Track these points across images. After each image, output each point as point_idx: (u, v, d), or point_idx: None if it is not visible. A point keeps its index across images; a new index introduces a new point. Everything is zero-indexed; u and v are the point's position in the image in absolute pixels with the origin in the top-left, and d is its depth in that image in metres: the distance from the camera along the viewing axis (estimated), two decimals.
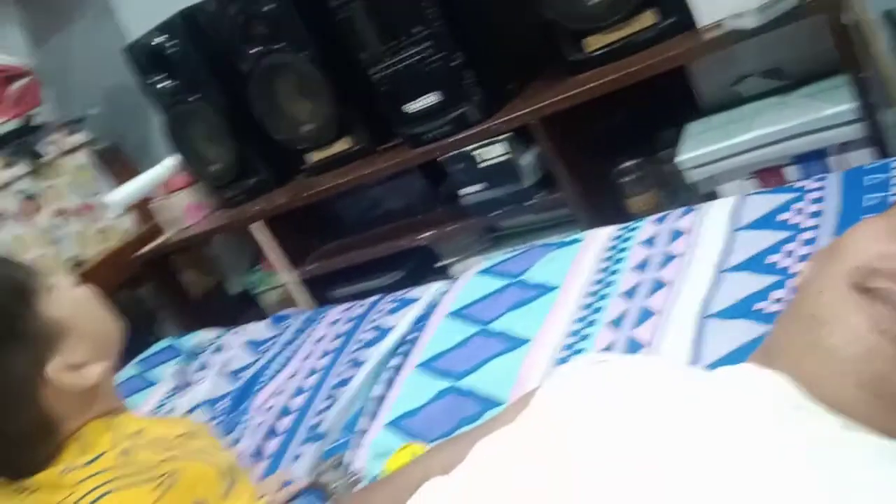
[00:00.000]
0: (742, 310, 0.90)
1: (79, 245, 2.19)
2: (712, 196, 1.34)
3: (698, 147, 1.34)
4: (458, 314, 1.21)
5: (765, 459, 0.50)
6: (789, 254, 0.94)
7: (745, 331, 0.86)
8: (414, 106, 1.54)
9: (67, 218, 2.19)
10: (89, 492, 0.67)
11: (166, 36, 1.87)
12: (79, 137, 2.26)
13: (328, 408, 1.16)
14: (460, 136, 1.51)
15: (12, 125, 2.09)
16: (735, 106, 1.40)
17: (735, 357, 0.81)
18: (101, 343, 0.75)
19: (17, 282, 0.70)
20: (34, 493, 0.70)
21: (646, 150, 1.55)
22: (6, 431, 0.68)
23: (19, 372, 0.67)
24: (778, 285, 0.90)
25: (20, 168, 2.10)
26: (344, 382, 1.21)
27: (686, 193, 1.51)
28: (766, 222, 1.02)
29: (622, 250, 1.16)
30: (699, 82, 1.46)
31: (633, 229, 1.20)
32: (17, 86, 2.10)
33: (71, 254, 2.17)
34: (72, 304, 0.74)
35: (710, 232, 1.08)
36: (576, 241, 1.25)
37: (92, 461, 0.69)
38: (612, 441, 0.58)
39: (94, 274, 2.08)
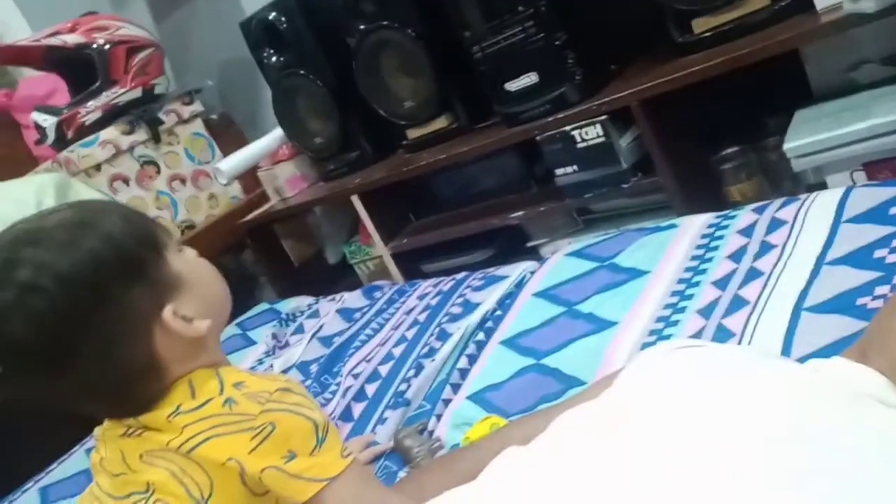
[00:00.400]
0: (841, 304, 0.86)
1: (190, 210, 2.32)
2: (819, 187, 1.29)
3: (807, 135, 1.28)
4: (543, 294, 1.22)
5: (839, 456, 0.49)
6: None
7: (842, 326, 0.83)
8: (514, 85, 1.54)
9: (181, 184, 2.32)
10: (194, 435, 0.72)
11: (280, 12, 1.94)
12: (194, 107, 2.38)
13: (415, 376, 1.20)
14: (558, 116, 1.50)
15: (135, 94, 2.22)
16: (850, 93, 1.33)
17: (829, 351, 0.78)
18: (212, 303, 0.80)
19: (152, 233, 0.77)
20: (140, 436, 0.75)
21: (751, 137, 1.50)
22: (120, 363, 0.73)
23: (141, 308, 0.73)
24: (883, 281, 0.86)
25: (140, 135, 2.23)
26: (430, 352, 1.24)
27: (791, 183, 1.45)
28: (874, 216, 0.98)
29: (718, 238, 1.14)
30: (812, 68, 1.39)
31: (731, 217, 1.17)
32: (140, 56, 2.23)
33: (182, 217, 2.29)
34: (194, 265, 0.81)
35: (813, 223, 1.04)
36: (671, 226, 1.24)
37: (200, 406, 0.73)
38: (689, 427, 0.58)
39: (202, 238, 2.19)
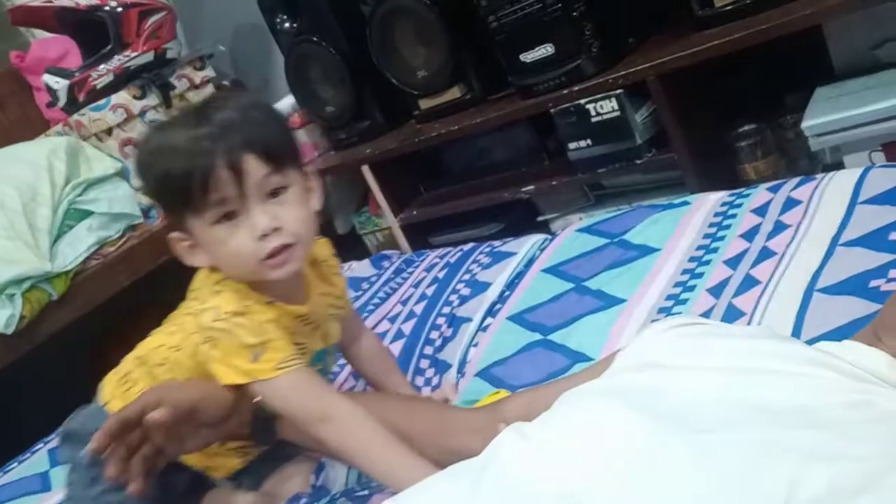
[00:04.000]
0: (855, 286, 0.85)
1: None
2: (836, 167, 1.26)
3: (826, 113, 1.26)
4: (552, 270, 1.21)
5: (848, 439, 0.48)
6: None
7: (855, 308, 0.82)
8: (529, 56, 1.52)
9: None
10: (209, 319, 0.86)
11: None
12: (206, 73, 2.35)
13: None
14: (573, 89, 1.48)
15: (147, 58, 2.20)
16: (872, 72, 1.31)
17: (840, 333, 0.78)
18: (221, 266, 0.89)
19: (196, 193, 0.82)
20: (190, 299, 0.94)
21: (768, 114, 1.47)
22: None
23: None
24: None
25: (151, 99, 2.22)
26: (440, 338, 1.23)
27: (808, 162, 1.43)
28: (891, 197, 0.96)
29: (731, 216, 1.12)
30: (835, 44, 1.36)
31: (746, 196, 1.15)
32: (153, 20, 2.20)
33: None
34: (211, 242, 0.85)
35: (829, 203, 1.02)
36: (684, 203, 1.22)
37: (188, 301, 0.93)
38: (689, 410, 0.57)
39: None
